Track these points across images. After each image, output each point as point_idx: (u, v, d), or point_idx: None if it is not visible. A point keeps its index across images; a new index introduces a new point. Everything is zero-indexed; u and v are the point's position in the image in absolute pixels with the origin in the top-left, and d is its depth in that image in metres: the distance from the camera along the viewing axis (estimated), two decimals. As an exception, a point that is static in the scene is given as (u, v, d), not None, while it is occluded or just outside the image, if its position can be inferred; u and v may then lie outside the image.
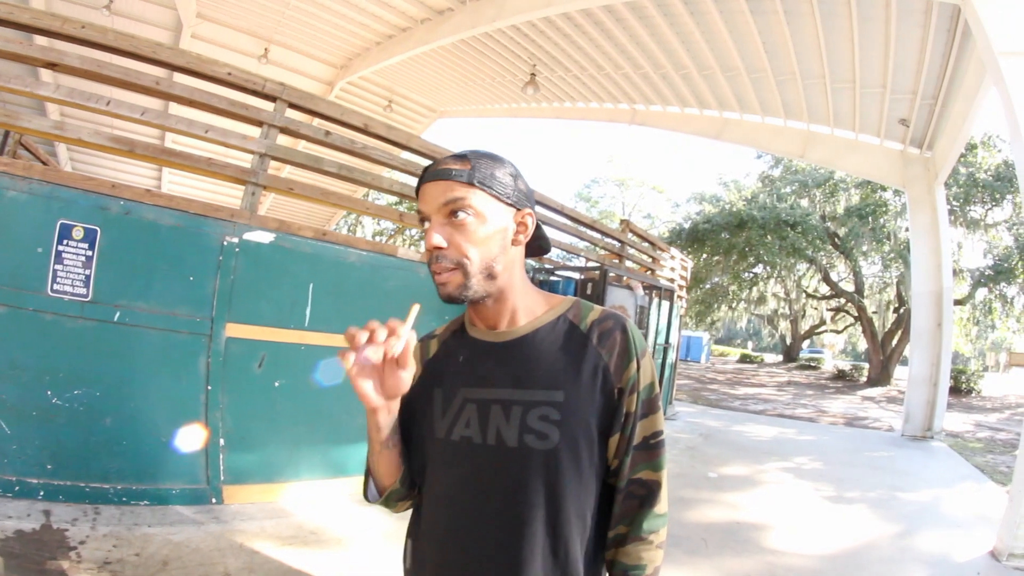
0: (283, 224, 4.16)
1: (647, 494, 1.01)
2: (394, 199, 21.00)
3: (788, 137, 11.95)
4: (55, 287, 3.31)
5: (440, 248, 0.95)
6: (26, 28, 3.52)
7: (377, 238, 29.46)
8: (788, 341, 32.95)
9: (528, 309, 1.06)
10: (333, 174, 4.66)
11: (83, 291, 3.38)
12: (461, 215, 0.95)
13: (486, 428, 0.98)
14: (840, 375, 24.11)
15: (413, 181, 5.67)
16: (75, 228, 3.36)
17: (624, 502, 1.01)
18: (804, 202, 21.97)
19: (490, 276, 0.99)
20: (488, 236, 0.97)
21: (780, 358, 34.33)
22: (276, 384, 4.06)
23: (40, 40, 5.46)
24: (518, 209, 1.03)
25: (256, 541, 3.29)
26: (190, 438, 3.69)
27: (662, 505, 1.02)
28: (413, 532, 1.11)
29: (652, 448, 1.02)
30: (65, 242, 3.33)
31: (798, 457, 7.79)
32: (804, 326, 31.48)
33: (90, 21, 3.75)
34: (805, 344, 35.34)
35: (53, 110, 11.33)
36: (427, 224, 0.99)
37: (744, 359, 35.19)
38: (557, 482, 0.95)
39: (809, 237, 20.32)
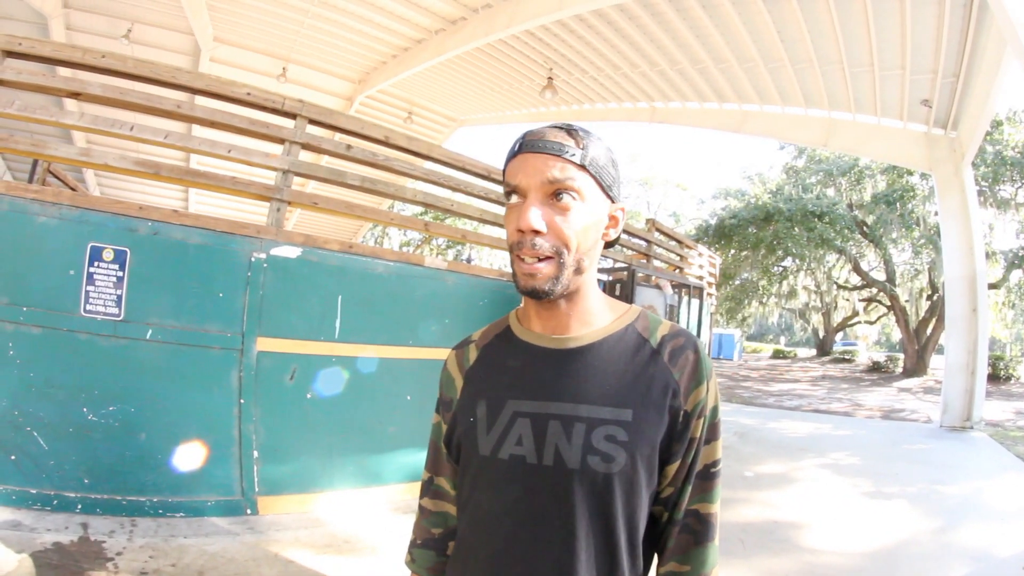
0: (309, 238, 4.21)
1: (703, 529, 0.92)
2: (419, 209, 21.13)
3: (810, 126, 11.77)
4: (88, 308, 3.41)
5: (538, 232, 0.85)
6: (48, 60, 3.65)
7: (404, 249, 29.68)
8: (821, 334, 32.39)
9: (598, 313, 0.95)
10: (357, 187, 4.71)
11: (115, 311, 3.46)
12: (567, 198, 0.86)
13: (542, 446, 0.87)
14: (875, 367, 23.63)
15: (437, 191, 5.70)
16: (105, 250, 3.45)
17: (679, 535, 0.92)
18: (830, 191, 21.58)
19: (578, 271, 0.88)
20: (587, 226, 0.88)
21: (813, 352, 33.77)
22: (308, 396, 4.10)
23: (63, 71, 5.62)
24: (613, 201, 0.94)
25: (291, 550, 3.33)
26: (224, 451, 3.76)
27: (716, 537, 0.95)
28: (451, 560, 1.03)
29: (711, 478, 0.93)
30: (96, 264, 3.43)
31: (835, 453, 7.64)
32: (836, 318, 30.88)
33: (110, 51, 3.86)
34: (838, 337, 34.76)
35: (79, 138, 11.66)
36: (513, 199, 0.89)
37: (777, 355, 34.68)
38: (616, 509, 0.86)
39: (837, 227, 19.90)
